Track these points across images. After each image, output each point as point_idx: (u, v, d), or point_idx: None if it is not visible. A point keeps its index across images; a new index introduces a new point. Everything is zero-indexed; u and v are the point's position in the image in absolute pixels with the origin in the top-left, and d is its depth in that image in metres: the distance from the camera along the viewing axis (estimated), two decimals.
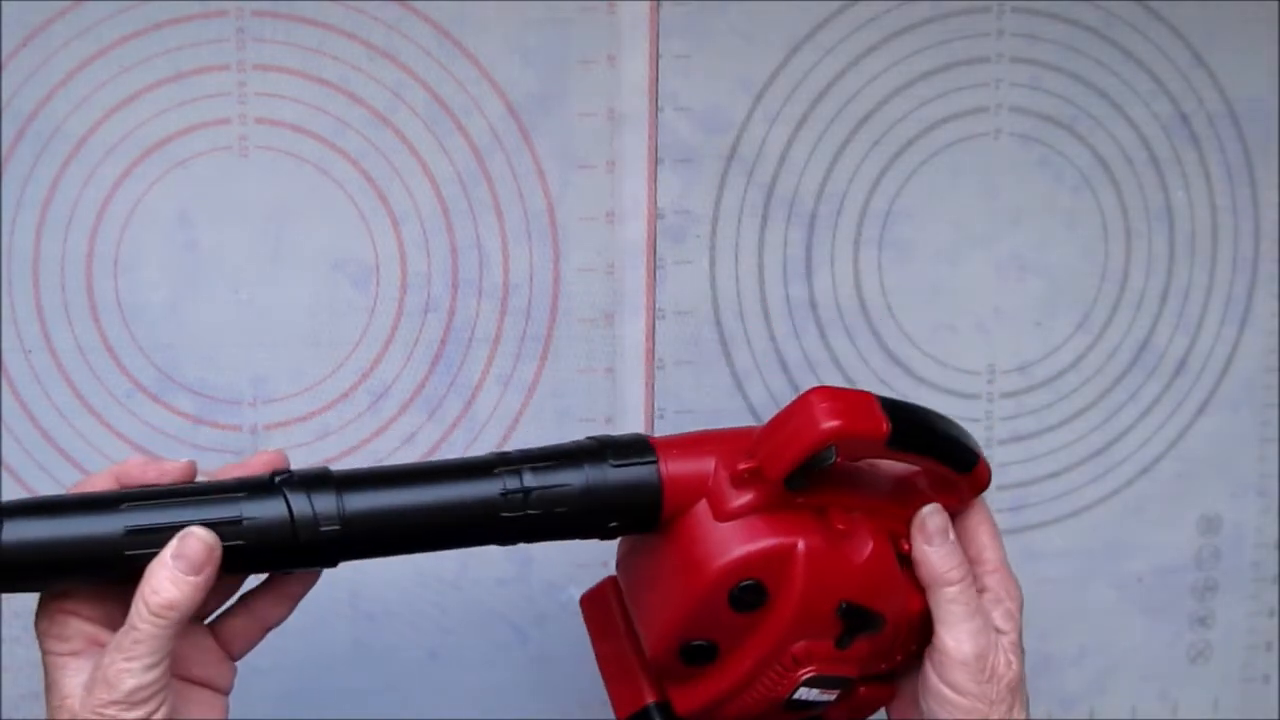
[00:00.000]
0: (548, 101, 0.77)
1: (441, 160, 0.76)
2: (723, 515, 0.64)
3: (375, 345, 0.78)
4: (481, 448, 0.79)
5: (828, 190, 0.81)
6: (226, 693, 0.66)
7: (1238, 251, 0.85)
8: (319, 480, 0.62)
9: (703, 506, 0.64)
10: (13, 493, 0.75)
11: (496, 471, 0.63)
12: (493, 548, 0.80)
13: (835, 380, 0.82)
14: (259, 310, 0.76)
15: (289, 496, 0.61)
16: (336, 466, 0.77)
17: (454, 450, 0.79)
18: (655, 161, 0.78)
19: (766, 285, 0.81)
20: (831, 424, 0.62)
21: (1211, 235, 0.85)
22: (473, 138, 0.76)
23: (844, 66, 0.79)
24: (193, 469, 0.63)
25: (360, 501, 0.62)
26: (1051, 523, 0.86)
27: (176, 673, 0.62)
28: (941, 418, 0.67)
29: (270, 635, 0.78)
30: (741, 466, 0.63)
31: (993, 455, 0.85)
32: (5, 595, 0.76)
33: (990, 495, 0.85)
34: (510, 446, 0.79)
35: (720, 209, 0.80)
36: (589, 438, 0.66)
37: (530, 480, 0.63)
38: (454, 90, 0.76)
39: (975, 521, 0.69)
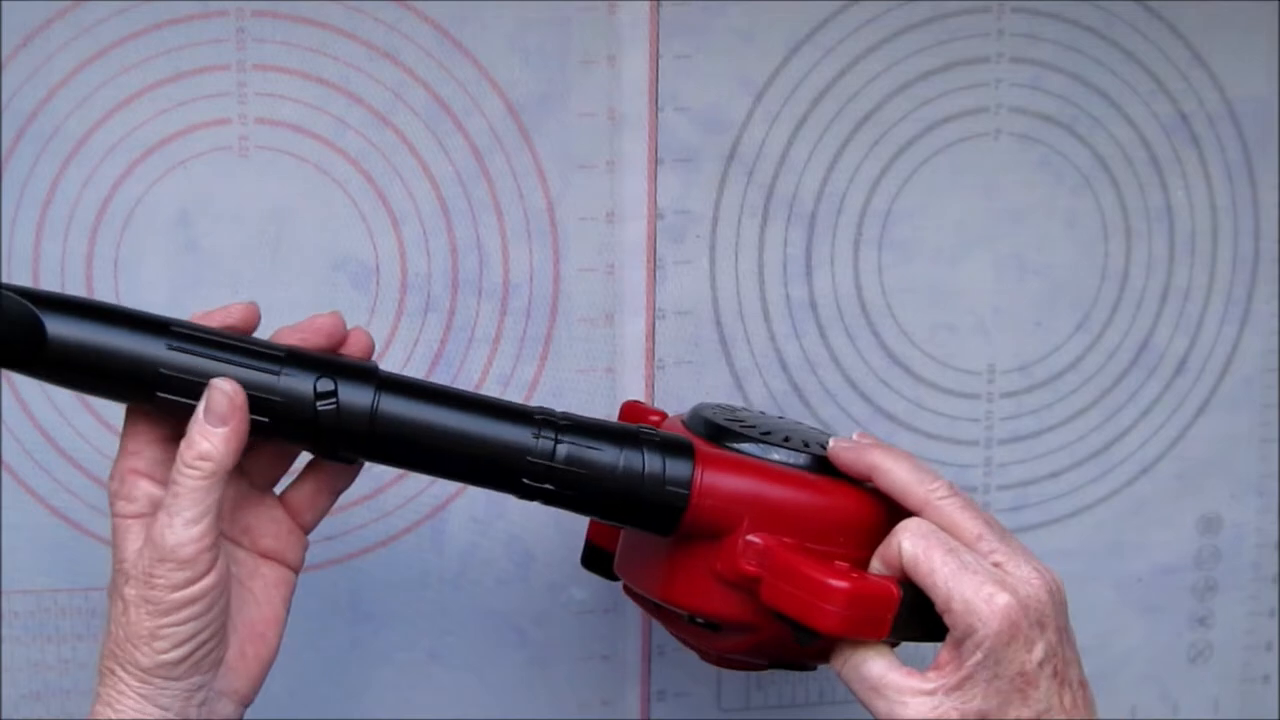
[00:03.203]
0: (548, 101, 0.77)
1: (441, 160, 0.76)
2: (719, 574, 0.64)
3: (375, 345, 0.77)
4: None
5: (828, 190, 0.81)
6: (297, 569, 0.66)
7: (1238, 251, 0.85)
8: (363, 374, 0.61)
9: (709, 548, 0.64)
10: (12, 492, 0.75)
11: (535, 428, 0.62)
12: (494, 549, 0.80)
13: (835, 380, 0.82)
14: (259, 310, 0.76)
15: (325, 381, 0.60)
16: None
17: None
18: (655, 161, 0.78)
19: (766, 285, 0.81)
20: (835, 625, 0.62)
21: (1211, 235, 0.85)
22: (473, 138, 0.77)
23: (844, 66, 0.79)
24: (255, 313, 0.63)
25: (394, 406, 0.61)
26: (1051, 523, 0.86)
27: (247, 544, 0.64)
28: None
29: None
30: (749, 570, 0.63)
31: (993, 455, 0.85)
32: (5, 592, 0.76)
33: (990, 495, 0.85)
34: None
35: (720, 209, 0.80)
36: (641, 427, 0.65)
37: (561, 451, 0.62)
38: (454, 90, 0.76)
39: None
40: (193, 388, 0.59)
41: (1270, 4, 0.83)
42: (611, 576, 0.73)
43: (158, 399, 0.59)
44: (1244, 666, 0.90)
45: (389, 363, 0.78)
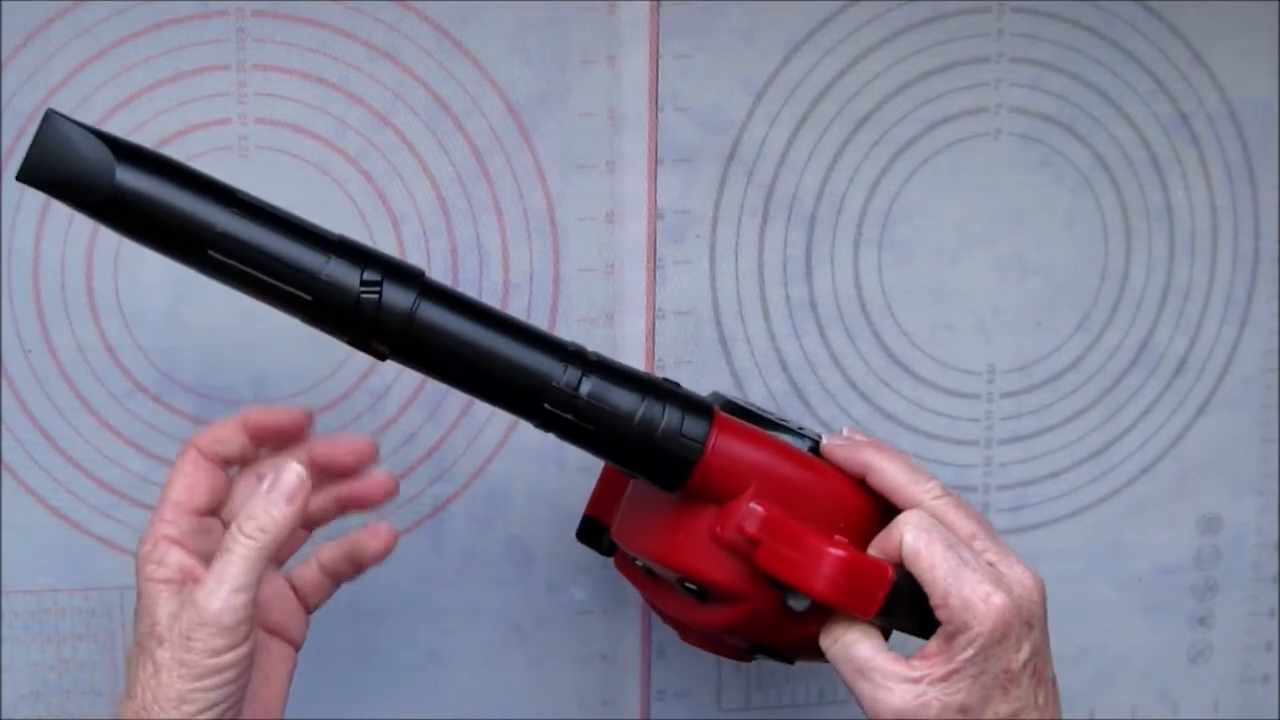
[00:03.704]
0: (548, 101, 0.77)
1: (441, 160, 0.76)
2: (718, 537, 0.65)
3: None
4: (481, 448, 0.79)
5: (828, 190, 0.81)
6: (298, 647, 0.69)
7: (1238, 251, 0.85)
8: (410, 276, 0.62)
9: (712, 512, 0.65)
10: (12, 493, 0.75)
11: (565, 360, 0.64)
12: (494, 549, 0.80)
13: (835, 380, 0.82)
14: (259, 310, 0.76)
15: (372, 273, 0.62)
16: None
17: (454, 450, 0.79)
18: (655, 161, 0.78)
19: (766, 285, 0.81)
20: (828, 591, 0.63)
21: (1211, 235, 0.85)
22: (473, 138, 0.77)
23: (844, 66, 0.79)
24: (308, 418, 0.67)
25: (433, 312, 0.62)
26: (1051, 523, 0.86)
27: (258, 618, 0.65)
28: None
29: None
30: (750, 531, 0.64)
31: (993, 455, 0.85)
32: (5, 592, 0.76)
33: (990, 495, 0.85)
34: (510, 447, 0.79)
35: (720, 209, 0.80)
36: (667, 380, 0.67)
37: (586, 385, 0.63)
38: (454, 90, 0.76)
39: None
40: (244, 252, 0.60)
41: (1270, 4, 0.83)
42: (604, 551, 0.74)
43: (208, 257, 0.60)
44: (1244, 666, 0.90)
45: (387, 364, 0.78)
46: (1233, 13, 0.82)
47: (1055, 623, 0.87)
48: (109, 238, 0.74)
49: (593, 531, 0.75)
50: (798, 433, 0.68)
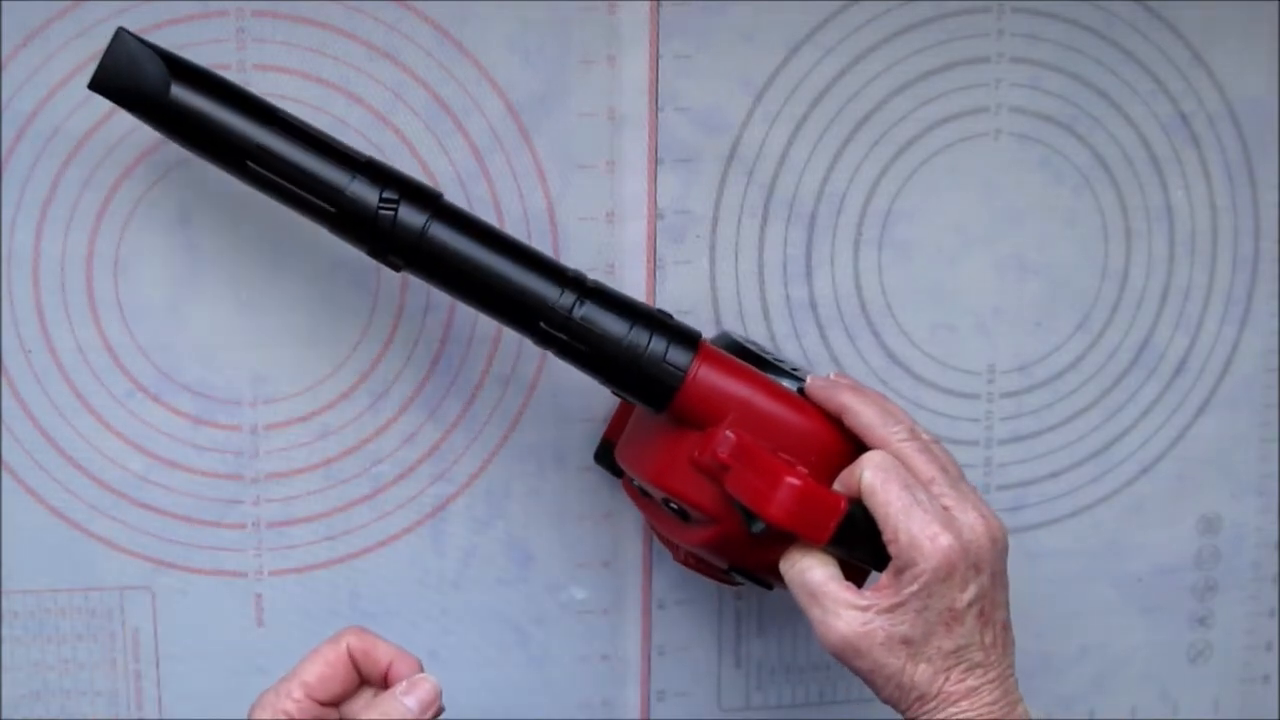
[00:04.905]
0: (548, 101, 0.77)
1: (441, 160, 0.76)
2: (695, 460, 0.69)
3: (375, 345, 0.78)
4: (481, 448, 0.79)
5: (828, 190, 0.81)
6: None
7: (1238, 251, 0.85)
8: (425, 198, 0.69)
9: (693, 437, 0.70)
10: (12, 493, 0.75)
11: (563, 284, 0.69)
12: (494, 549, 0.80)
13: None
14: (259, 310, 0.76)
15: (391, 192, 0.68)
16: (336, 466, 0.78)
17: (454, 450, 0.79)
18: (655, 161, 0.78)
19: (766, 285, 0.81)
20: (781, 516, 0.67)
21: (1211, 235, 0.85)
22: (473, 138, 0.77)
23: (844, 66, 0.79)
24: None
25: (443, 231, 0.68)
26: (1051, 523, 0.86)
27: None
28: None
29: (270, 635, 0.79)
30: (721, 456, 0.68)
31: (992, 455, 0.85)
32: (5, 592, 0.76)
33: (990, 495, 0.85)
34: (510, 447, 0.79)
35: (720, 209, 0.80)
36: (661, 311, 0.71)
37: (580, 309, 0.69)
38: (454, 90, 0.76)
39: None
40: (278, 165, 0.67)
41: (1270, 4, 0.83)
42: (615, 472, 0.78)
43: (247, 167, 0.67)
44: (1244, 666, 0.90)
45: (387, 364, 0.78)
46: (1233, 13, 0.82)
47: (1055, 623, 0.87)
48: (109, 238, 0.74)
49: (607, 454, 0.79)
50: (791, 374, 0.72)
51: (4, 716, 0.77)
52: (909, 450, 0.69)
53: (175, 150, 0.74)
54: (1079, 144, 0.83)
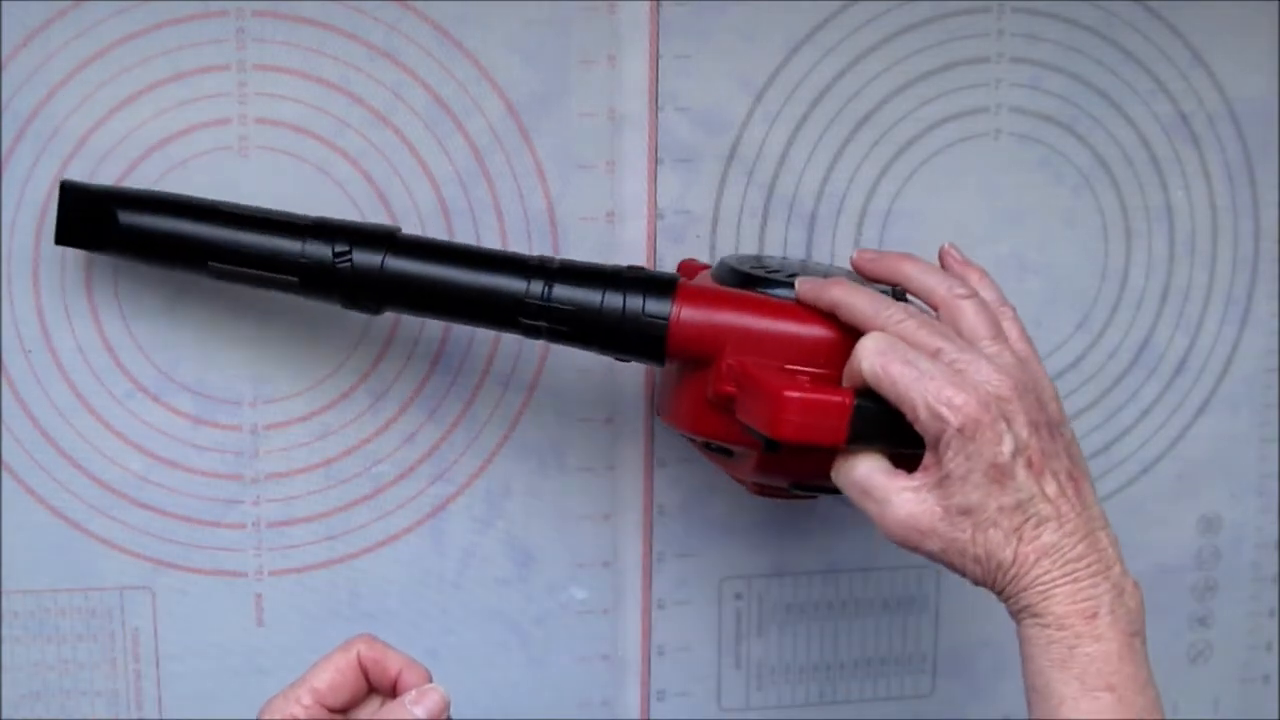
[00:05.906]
0: (548, 101, 0.77)
1: (441, 160, 0.76)
2: (710, 399, 0.70)
3: (375, 345, 0.78)
4: (481, 448, 0.79)
5: (828, 190, 0.81)
6: None
7: (1238, 251, 0.85)
8: (376, 238, 0.71)
9: (702, 376, 0.70)
10: (12, 493, 0.75)
11: (529, 275, 0.70)
12: (494, 549, 0.80)
13: None
14: (258, 310, 0.76)
15: (342, 244, 0.70)
16: (336, 466, 0.78)
17: (454, 450, 0.79)
18: (655, 161, 0.78)
19: None
20: (790, 431, 0.66)
21: (1211, 235, 0.85)
22: (473, 138, 0.77)
23: (844, 66, 0.79)
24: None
25: (400, 263, 0.70)
26: None
27: None
28: None
29: (270, 635, 0.79)
30: (725, 389, 0.69)
31: None
32: (5, 592, 0.76)
33: None
34: (510, 446, 0.79)
35: (720, 209, 0.80)
36: (630, 267, 0.72)
37: (551, 294, 0.70)
38: (454, 90, 0.76)
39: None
40: (239, 256, 0.70)
41: (1270, 4, 0.83)
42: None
43: (210, 266, 0.70)
44: (1244, 666, 0.90)
45: (387, 364, 0.78)
46: (1233, 13, 0.82)
47: None
48: None
49: None
50: (787, 281, 0.71)
51: (4, 716, 0.77)
52: (909, 328, 0.66)
53: (175, 150, 0.74)
54: (1079, 144, 0.83)
